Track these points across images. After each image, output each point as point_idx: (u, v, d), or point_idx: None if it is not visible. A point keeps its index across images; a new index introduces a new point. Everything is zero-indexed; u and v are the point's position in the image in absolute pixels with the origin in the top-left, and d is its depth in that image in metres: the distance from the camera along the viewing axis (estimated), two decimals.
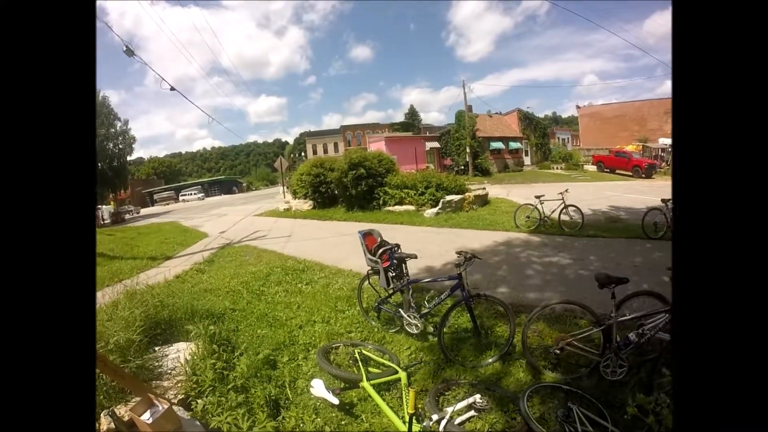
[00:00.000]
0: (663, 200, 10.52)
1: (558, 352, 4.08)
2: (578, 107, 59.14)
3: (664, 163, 34.40)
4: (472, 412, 3.35)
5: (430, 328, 4.94)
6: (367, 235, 5.54)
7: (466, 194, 16.15)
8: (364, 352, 4.26)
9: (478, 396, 3.44)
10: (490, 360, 4.31)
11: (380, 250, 5.24)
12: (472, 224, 12.76)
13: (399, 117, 76.84)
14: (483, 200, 16.73)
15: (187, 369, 3.97)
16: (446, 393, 3.75)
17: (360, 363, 3.98)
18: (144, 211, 45.02)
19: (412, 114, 68.01)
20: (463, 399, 3.50)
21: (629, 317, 4.00)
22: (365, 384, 3.65)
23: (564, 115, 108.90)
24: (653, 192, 14.00)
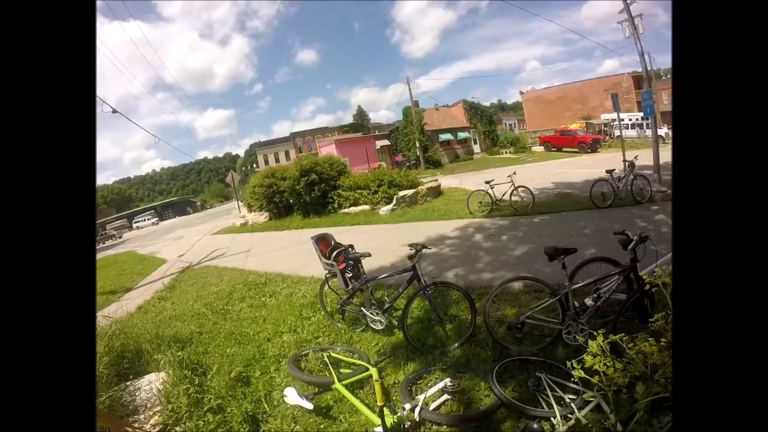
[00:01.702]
0: (608, 171, 11.16)
1: (520, 326, 4.23)
2: (522, 93, 61.75)
3: (608, 137, 36.63)
4: (445, 396, 3.42)
5: (395, 322, 5.00)
6: (320, 240, 5.55)
7: (419, 188, 16.38)
8: (333, 354, 4.26)
9: (448, 380, 3.52)
10: (456, 344, 4.41)
11: (334, 253, 5.27)
12: (427, 216, 12.98)
13: (349, 118, 76.92)
14: (436, 192, 16.99)
15: (161, 398, 3.88)
16: (418, 382, 3.82)
17: (330, 366, 3.98)
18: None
19: (361, 114, 68.25)
20: (434, 385, 3.57)
21: (583, 284, 4.23)
22: (337, 385, 3.67)
23: (509, 102, 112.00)
24: (599, 165, 14.62)
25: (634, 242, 4.00)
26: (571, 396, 3.14)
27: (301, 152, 52.96)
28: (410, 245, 4.77)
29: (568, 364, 1.83)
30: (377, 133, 42.32)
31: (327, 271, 5.48)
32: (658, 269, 4.36)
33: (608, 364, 1.62)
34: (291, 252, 11.34)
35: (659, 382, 1.59)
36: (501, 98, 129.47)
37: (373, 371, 3.62)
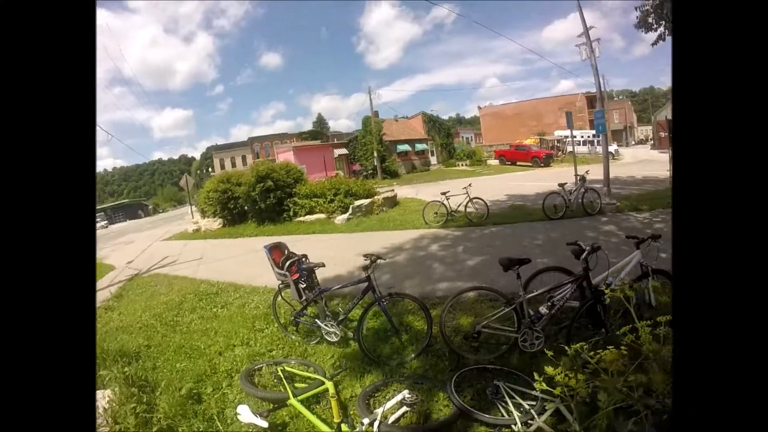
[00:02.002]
0: (560, 184, 11.74)
1: (476, 335, 4.29)
2: (480, 108, 64.03)
3: (560, 153, 38.49)
4: (404, 408, 3.36)
5: (350, 334, 4.90)
6: (273, 249, 5.38)
7: (376, 197, 16.39)
8: (287, 368, 4.11)
9: (406, 392, 3.46)
10: (413, 355, 4.38)
11: (288, 263, 5.14)
12: (383, 226, 13.00)
13: (308, 125, 76.49)
14: (392, 202, 17.05)
15: (107, 419, 3.59)
16: (375, 395, 3.75)
17: (285, 380, 3.83)
18: None
19: (320, 122, 68.16)
20: (392, 397, 3.50)
21: (537, 293, 4.37)
22: (293, 401, 3.53)
23: (467, 116, 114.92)
24: (552, 178, 15.16)
25: (586, 252, 4.15)
26: (531, 402, 3.19)
27: (258, 158, 52.00)
28: (365, 256, 4.72)
29: (537, 380, 1.83)
30: (336, 142, 42.24)
31: (280, 282, 5.31)
32: (611, 278, 4.64)
33: (571, 375, 1.61)
34: (244, 261, 11.03)
35: (622, 391, 1.59)
36: (459, 112, 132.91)
37: (330, 385, 3.52)
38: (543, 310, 4.24)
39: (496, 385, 3.43)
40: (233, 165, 57.21)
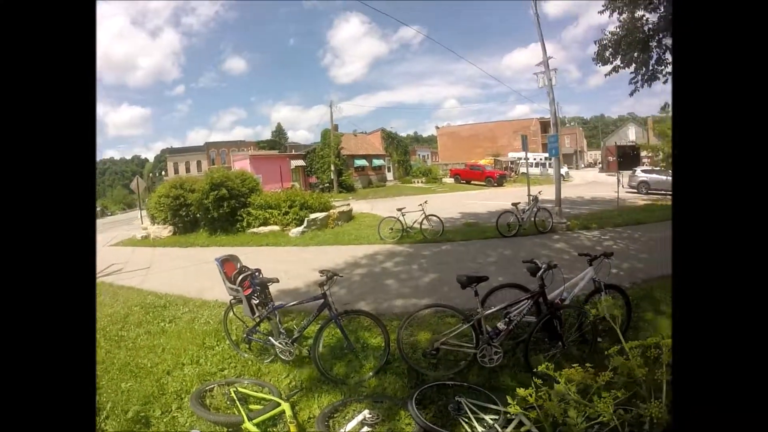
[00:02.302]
0: (513, 204, 12.21)
1: (435, 352, 4.31)
2: (438, 127, 65.98)
3: (513, 173, 40.08)
4: (365, 429, 3.29)
5: (305, 352, 4.74)
6: (225, 262, 5.15)
7: (331, 211, 16.17)
8: (240, 389, 3.89)
9: (367, 411, 3.39)
10: (371, 373, 4.31)
11: (240, 277, 4.93)
12: (338, 240, 12.86)
13: (267, 134, 74.95)
14: (348, 216, 16.91)
15: None
16: (335, 415, 3.63)
17: (238, 402, 3.63)
18: None
19: (279, 132, 67.23)
20: (352, 418, 3.42)
21: (494, 309, 4.46)
22: (247, 425, 3.35)
23: (425, 135, 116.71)
24: (505, 198, 15.66)
25: (542, 269, 4.28)
26: (493, 416, 3.20)
27: (214, 164, 50.52)
28: (321, 272, 4.62)
29: (511, 402, 1.85)
30: (294, 153, 41.77)
31: (232, 297, 5.08)
32: (565, 293, 4.85)
33: (544, 397, 1.62)
34: (194, 272, 10.59)
35: (592, 407, 1.61)
36: (417, 131, 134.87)
37: (286, 406, 3.39)
38: (501, 325, 4.34)
39: (458, 401, 3.42)
40: (187, 170, 55.13)
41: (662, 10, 8.87)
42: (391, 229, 12.39)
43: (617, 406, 1.67)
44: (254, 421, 3.41)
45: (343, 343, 4.74)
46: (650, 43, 9.44)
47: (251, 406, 3.72)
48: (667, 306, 6.43)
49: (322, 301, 4.51)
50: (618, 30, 9.68)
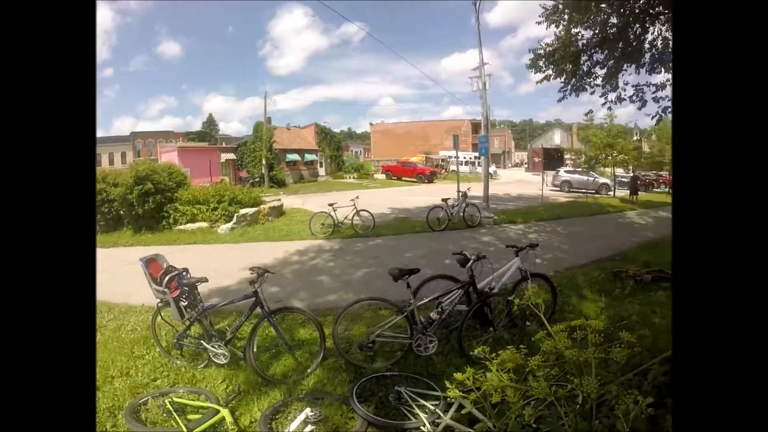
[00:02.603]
0: (443, 199, 12.69)
1: (371, 344, 4.40)
2: (372, 124, 67.16)
3: (443, 171, 41.95)
4: (309, 428, 3.24)
5: (240, 354, 4.53)
6: (150, 262, 4.77)
7: (261, 206, 15.73)
8: (176, 399, 3.67)
9: (308, 410, 3.34)
10: (309, 370, 4.27)
11: (167, 278, 4.59)
12: (268, 237, 12.61)
13: (198, 125, 71.03)
14: (279, 211, 16.57)
15: None
16: (277, 417, 3.54)
17: (174, 413, 3.44)
18: None
19: (211, 123, 64.36)
20: (295, 418, 3.36)
21: (427, 300, 4.68)
22: None
23: (358, 131, 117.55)
24: (435, 194, 16.14)
25: (472, 261, 4.53)
26: (434, 402, 3.29)
27: (139, 155, 47.34)
28: (251, 269, 4.49)
29: (449, 387, 1.94)
30: (224, 146, 40.24)
31: (159, 300, 4.72)
32: (494, 282, 5.17)
33: (481, 380, 1.71)
34: (118, 274, 9.87)
35: (527, 387, 1.72)
36: (351, 127, 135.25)
37: (225, 413, 3.28)
38: (433, 315, 4.54)
39: (398, 391, 3.49)
40: (111, 162, 50.92)
41: (597, 29, 9.55)
42: (323, 224, 12.33)
43: (553, 383, 1.78)
44: (194, 431, 3.25)
45: (278, 342, 4.65)
46: (582, 57, 10.15)
47: (189, 416, 3.53)
48: (588, 291, 7.00)
49: (253, 299, 4.36)
50: (553, 42, 10.29)
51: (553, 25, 9.90)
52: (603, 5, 8.85)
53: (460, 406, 2.93)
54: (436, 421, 3.08)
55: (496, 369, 1.78)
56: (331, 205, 12.39)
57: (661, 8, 9.25)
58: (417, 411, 3.25)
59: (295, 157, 40.00)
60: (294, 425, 3.25)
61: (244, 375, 4.31)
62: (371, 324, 4.94)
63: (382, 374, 3.98)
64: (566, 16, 9.64)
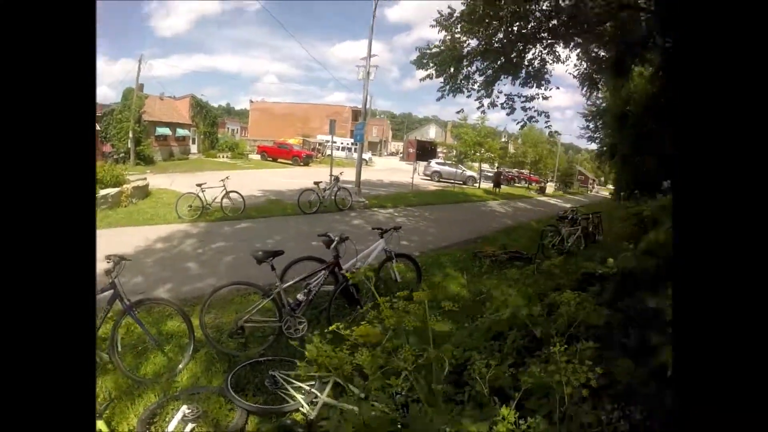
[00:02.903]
0: (315, 182, 12.85)
1: (240, 331, 4.36)
2: (252, 101, 63.64)
3: (320, 154, 41.87)
4: (189, 426, 3.10)
5: (105, 356, 3.98)
6: None
7: (125, 187, 14.07)
8: None
9: (185, 407, 3.19)
10: (180, 366, 4.02)
11: None
12: (131, 221, 11.43)
13: None
14: (144, 192, 15.10)
15: None
16: (154, 419, 3.30)
17: None
18: None
19: None
20: (173, 417, 3.18)
21: (293, 282, 4.77)
22: None
23: (237, 107, 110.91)
24: (309, 177, 16.04)
25: (335, 242, 4.70)
26: (310, 383, 3.33)
27: None
28: (107, 257, 3.97)
29: (300, 365, 2.02)
30: None
31: None
32: (359, 263, 5.42)
33: (331, 355, 1.82)
34: None
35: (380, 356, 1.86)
36: (231, 102, 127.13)
37: (101, 424, 2.97)
38: (300, 297, 4.65)
39: (273, 375, 3.49)
40: None
41: (483, 41, 10.27)
42: (190, 206, 11.49)
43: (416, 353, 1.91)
44: None
45: (145, 338, 4.25)
46: (464, 62, 10.89)
47: None
48: (451, 269, 7.66)
49: (111, 291, 3.91)
50: (440, 44, 10.94)
51: (444, 30, 10.57)
52: (495, 22, 9.54)
53: (336, 383, 3.02)
54: (314, 401, 3.17)
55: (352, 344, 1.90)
56: (199, 185, 11.60)
57: (546, 34, 10.42)
58: (294, 393, 3.29)
59: (167, 131, 36.10)
60: (172, 425, 3.09)
61: (113, 379, 3.85)
62: (241, 310, 4.81)
63: (256, 360, 3.94)
64: (459, 26, 10.27)
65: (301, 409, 3.19)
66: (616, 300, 3.41)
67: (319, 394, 3.16)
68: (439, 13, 10.59)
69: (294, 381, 3.42)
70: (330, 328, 2.12)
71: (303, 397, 3.24)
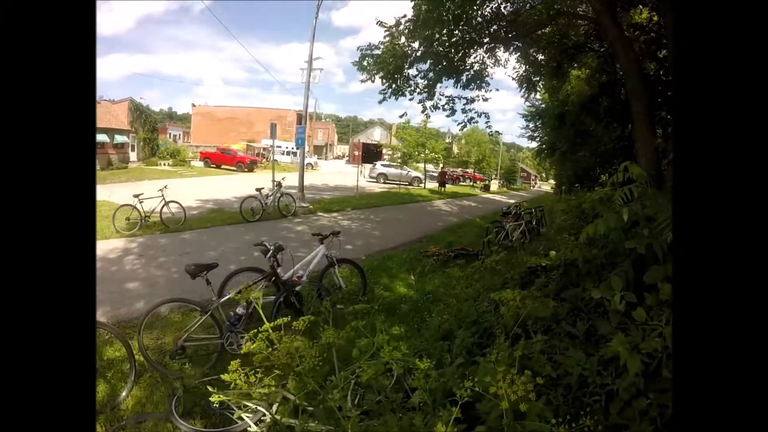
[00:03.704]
0: (257, 189, 12.53)
1: (181, 351, 4.09)
2: (194, 105, 61.15)
3: (264, 160, 40.88)
4: None
5: None
6: None
7: None
8: None
9: None
10: (124, 393, 3.74)
11: None
12: None
13: None
14: None
15: None
16: None
17: None
18: None
19: None
20: None
21: (230, 295, 4.39)
22: None
23: (179, 112, 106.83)
24: (253, 183, 15.55)
25: (271, 251, 4.49)
26: (257, 401, 3.13)
27: None
28: None
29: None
30: None
31: None
32: (301, 270, 5.23)
33: (248, 372, 1.68)
34: None
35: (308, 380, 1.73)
36: (173, 106, 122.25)
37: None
38: (240, 310, 4.42)
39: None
40: None
41: (426, 44, 10.32)
42: (128, 219, 10.73)
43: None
44: None
45: None
46: (404, 65, 10.90)
47: None
48: (398, 270, 7.60)
49: None
50: (379, 45, 10.91)
51: (388, 33, 10.55)
52: (438, 26, 9.62)
53: (285, 397, 2.86)
54: (262, 419, 2.99)
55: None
56: (136, 196, 10.85)
57: (487, 39, 10.63)
58: (242, 413, 3.07)
59: (104, 138, 33.72)
60: None
61: None
62: (182, 329, 4.51)
63: (200, 381, 3.65)
64: (403, 29, 10.27)
65: (249, 429, 3.02)
66: (561, 291, 3.44)
67: (267, 411, 2.99)
68: (383, 23, 10.65)
69: (242, 399, 3.22)
70: (243, 349, 1.98)
71: (250, 416, 3.05)
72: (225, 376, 1.77)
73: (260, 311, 2.04)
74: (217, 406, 3.21)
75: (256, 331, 1.92)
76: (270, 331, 1.84)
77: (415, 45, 10.61)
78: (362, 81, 11.44)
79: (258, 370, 1.69)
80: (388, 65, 10.62)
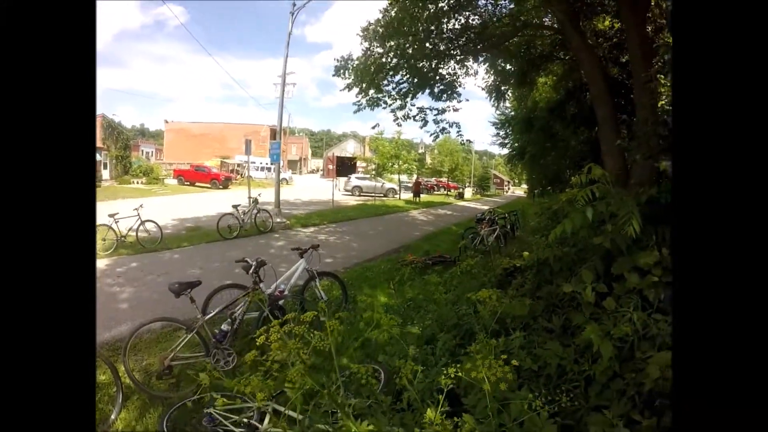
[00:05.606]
0: (234, 206, 12.46)
1: (168, 371, 4.06)
2: (167, 122, 60.09)
3: (239, 176, 40.57)
4: None
5: None
6: None
7: None
8: None
9: None
10: (113, 416, 3.70)
11: None
12: None
13: None
14: None
15: None
16: None
17: None
18: None
19: None
20: None
21: (214, 313, 4.51)
22: None
23: (152, 128, 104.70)
24: (228, 200, 15.40)
25: (253, 267, 4.52)
26: (247, 415, 3.18)
27: None
28: None
29: (215, 396, 1.90)
30: None
31: None
32: (282, 285, 5.27)
33: (246, 383, 1.73)
34: None
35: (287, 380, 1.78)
36: (145, 123, 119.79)
37: None
38: (225, 327, 4.38)
39: (209, 413, 3.26)
40: None
41: (398, 55, 10.51)
42: (104, 239, 10.35)
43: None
44: None
45: None
46: (379, 75, 11.03)
47: None
48: (377, 281, 7.69)
49: None
50: (358, 58, 11.12)
51: (364, 41, 10.81)
52: (410, 37, 9.85)
53: (275, 411, 2.89)
54: None
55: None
56: (112, 215, 10.56)
57: (457, 51, 10.93)
58: (233, 428, 3.08)
59: None
60: None
61: None
62: (167, 348, 4.48)
63: (190, 399, 3.63)
64: (376, 37, 10.48)
65: None
66: (537, 289, 3.60)
67: (258, 426, 3.01)
68: (360, 33, 10.87)
69: (232, 415, 3.22)
70: (249, 355, 2.01)
71: (242, 431, 3.07)
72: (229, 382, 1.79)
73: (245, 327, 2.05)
74: (209, 423, 3.23)
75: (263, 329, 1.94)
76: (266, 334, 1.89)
77: (390, 54, 10.79)
78: (341, 90, 11.76)
79: (248, 383, 1.72)
80: (363, 77, 10.80)
